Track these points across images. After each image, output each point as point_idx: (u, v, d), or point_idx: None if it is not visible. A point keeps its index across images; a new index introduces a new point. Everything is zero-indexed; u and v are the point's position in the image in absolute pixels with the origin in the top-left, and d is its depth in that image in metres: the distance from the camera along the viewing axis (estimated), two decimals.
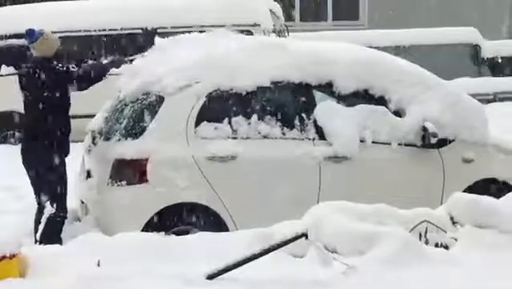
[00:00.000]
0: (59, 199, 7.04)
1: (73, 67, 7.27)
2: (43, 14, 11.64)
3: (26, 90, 7.18)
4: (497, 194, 6.28)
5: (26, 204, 7.95)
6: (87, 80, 7.23)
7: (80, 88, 7.24)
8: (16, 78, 7.50)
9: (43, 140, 7.04)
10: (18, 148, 7.41)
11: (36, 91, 7.06)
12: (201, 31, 11.46)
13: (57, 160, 7.09)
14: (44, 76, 7.04)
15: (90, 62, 8.29)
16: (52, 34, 7.38)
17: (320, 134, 7.15)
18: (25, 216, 7.56)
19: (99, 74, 7.28)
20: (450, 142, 7.34)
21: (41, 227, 6.29)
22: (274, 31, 12.28)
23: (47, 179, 7.06)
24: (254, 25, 12.13)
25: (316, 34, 14.94)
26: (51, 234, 6.75)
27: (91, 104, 8.23)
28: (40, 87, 7.05)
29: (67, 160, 7.24)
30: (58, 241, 6.76)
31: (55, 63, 7.16)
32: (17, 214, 8.05)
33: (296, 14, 18.50)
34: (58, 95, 7.06)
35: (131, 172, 6.85)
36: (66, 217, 7.13)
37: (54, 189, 7.06)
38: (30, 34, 7.23)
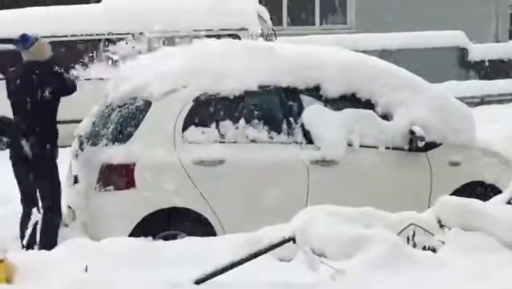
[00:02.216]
0: (54, 203, 7.01)
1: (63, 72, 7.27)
2: (30, 19, 11.61)
3: (15, 94, 7.14)
4: (485, 197, 6.31)
5: (12, 208, 7.91)
6: (72, 87, 7.27)
7: (69, 92, 7.22)
8: (2, 83, 7.44)
9: (32, 144, 7.00)
10: (5, 153, 7.38)
11: (25, 95, 7.02)
12: (188, 36, 11.57)
13: (49, 165, 7.05)
14: (35, 80, 6.98)
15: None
16: (44, 39, 7.34)
17: (308, 138, 7.15)
18: (11, 220, 7.52)
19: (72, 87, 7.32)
20: (437, 145, 7.36)
21: (28, 233, 6.27)
22: (261, 35, 12.29)
23: (38, 184, 7.03)
24: (242, 29, 12.15)
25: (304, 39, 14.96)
26: (48, 238, 6.72)
27: (78, 109, 8.21)
28: (30, 91, 7.01)
29: None
30: (54, 245, 6.72)
31: (49, 67, 7.11)
32: (3, 219, 8.00)
33: (284, 18, 18.51)
34: (47, 99, 7.01)
35: (118, 177, 6.83)
36: (61, 221, 7.12)
37: (47, 193, 7.01)
38: (25, 40, 7.16)
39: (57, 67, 7.19)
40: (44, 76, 7.04)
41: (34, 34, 7.26)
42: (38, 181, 7.08)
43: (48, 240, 6.77)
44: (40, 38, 7.24)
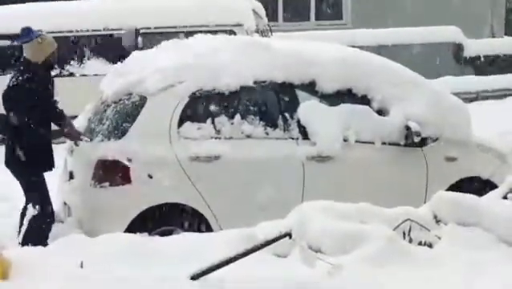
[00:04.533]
0: (42, 205, 6.90)
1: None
2: (24, 15, 11.58)
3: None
4: (480, 192, 6.31)
5: (9, 206, 7.90)
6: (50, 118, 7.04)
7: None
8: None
9: (19, 147, 6.90)
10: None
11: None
12: (183, 32, 11.57)
13: (33, 170, 6.93)
14: (9, 85, 6.82)
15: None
16: (49, 37, 7.06)
17: (303, 133, 7.15)
18: (8, 218, 7.51)
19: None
20: (433, 141, 7.36)
21: (23, 229, 6.25)
22: (257, 31, 12.29)
23: (27, 186, 6.96)
24: (237, 25, 12.14)
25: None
26: (37, 240, 6.65)
27: (73, 105, 8.19)
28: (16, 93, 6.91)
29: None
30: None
31: (37, 79, 6.85)
32: (2, 215, 7.98)
33: (279, 13, 18.49)
34: (33, 106, 6.80)
35: (114, 173, 6.81)
36: (53, 222, 7.03)
37: (34, 196, 6.92)
38: (26, 33, 6.92)
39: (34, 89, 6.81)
40: (15, 85, 6.80)
41: (39, 30, 7.02)
42: (24, 183, 7.00)
43: (33, 240, 6.69)
44: (43, 38, 6.94)
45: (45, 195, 6.99)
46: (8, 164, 7.04)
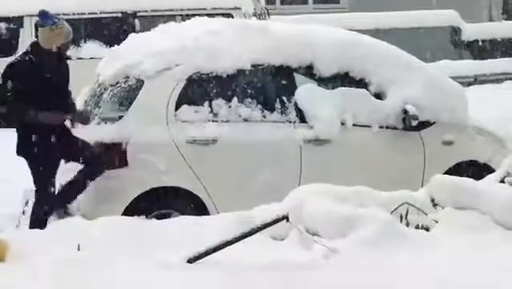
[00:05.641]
0: (41, 192, 6.78)
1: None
2: None
3: None
4: (478, 176, 6.31)
5: (9, 188, 7.85)
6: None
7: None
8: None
9: (22, 132, 6.82)
10: (8, 131, 7.17)
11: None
12: (181, 15, 11.54)
13: (28, 154, 6.72)
14: (28, 67, 6.67)
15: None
16: (65, 27, 6.80)
17: (301, 117, 7.14)
18: (10, 199, 7.48)
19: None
20: (431, 124, 7.36)
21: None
22: (254, 14, 12.25)
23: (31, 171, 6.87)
24: (235, 8, 12.10)
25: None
26: (37, 225, 6.61)
27: (70, 88, 8.16)
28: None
29: None
30: None
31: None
32: (1, 196, 7.95)
33: None
34: (20, 89, 6.58)
35: (111, 156, 6.80)
36: (51, 211, 6.93)
37: (36, 181, 6.82)
38: (41, 17, 6.71)
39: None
40: (12, 64, 6.65)
41: (58, 17, 6.81)
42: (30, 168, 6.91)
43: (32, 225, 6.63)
44: (58, 27, 6.70)
45: (50, 182, 6.89)
46: (18, 151, 6.88)
